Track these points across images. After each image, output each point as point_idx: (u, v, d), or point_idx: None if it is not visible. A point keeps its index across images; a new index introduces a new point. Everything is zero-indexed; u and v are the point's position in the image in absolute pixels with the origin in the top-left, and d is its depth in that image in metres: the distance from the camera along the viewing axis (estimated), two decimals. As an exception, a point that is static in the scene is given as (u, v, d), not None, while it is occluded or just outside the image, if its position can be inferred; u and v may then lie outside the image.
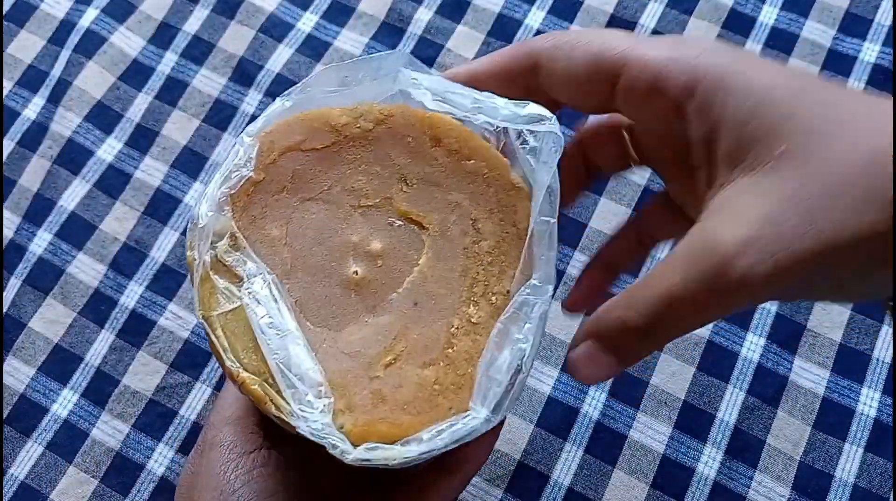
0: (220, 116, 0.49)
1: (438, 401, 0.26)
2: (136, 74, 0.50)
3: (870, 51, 0.48)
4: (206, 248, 0.26)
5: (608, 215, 0.46)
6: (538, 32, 0.50)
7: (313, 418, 0.24)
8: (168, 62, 0.50)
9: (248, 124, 0.48)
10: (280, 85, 0.49)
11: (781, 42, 0.49)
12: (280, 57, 0.50)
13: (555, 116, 0.26)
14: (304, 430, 0.24)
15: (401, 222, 0.28)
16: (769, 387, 0.42)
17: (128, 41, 0.51)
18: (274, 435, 0.30)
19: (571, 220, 0.46)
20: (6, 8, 0.52)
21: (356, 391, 0.25)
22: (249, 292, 0.25)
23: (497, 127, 0.28)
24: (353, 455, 0.24)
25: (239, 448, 0.29)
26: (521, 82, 0.27)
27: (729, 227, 0.21)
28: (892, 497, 0.40)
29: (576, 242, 0.45)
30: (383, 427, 0.25)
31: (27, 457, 0.43)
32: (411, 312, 0.27)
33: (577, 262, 0.45)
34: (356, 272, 0.27)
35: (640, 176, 0.46)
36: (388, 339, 0.26)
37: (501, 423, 0.33)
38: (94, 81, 0.50)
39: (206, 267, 0.26)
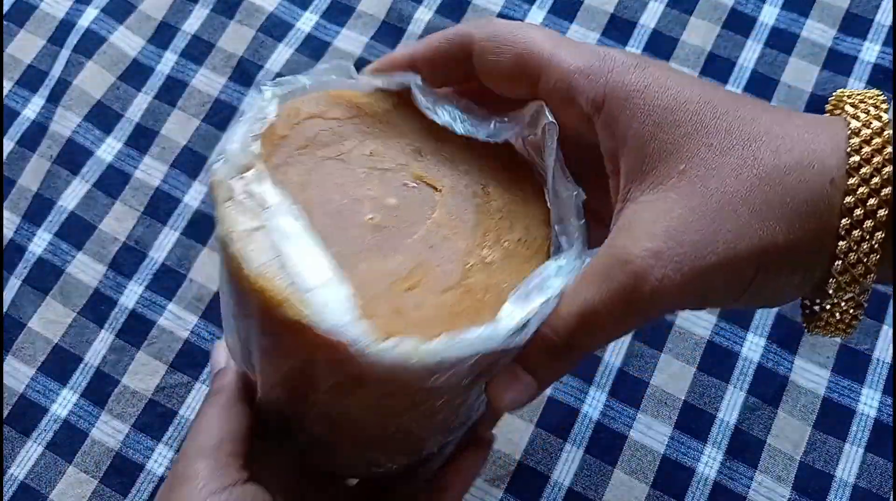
0: (220, 115, 0.49)
1: (457, 321, 0.25)
2: (135, 73, 0.50)
3: (870, 51, 0.48)
4: (232, 174, 0.26)
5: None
6: (538, 32, 0.50)
7: (335, 311, 0.23)
8: (168, 62, 0.50)
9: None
10: (280, 85, 0.49)
11: (781, 42, 0.49)
12: (280, 57, 0.50)
13: (544, 104, 0.27)
14: (324, 326, 0.23)
15: (415, 184, 0.29)
16: (769, 387, 0.42)
17: (127, 41, 0.51)
18: (258, 459, 0.29)
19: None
20: (6, 8, 0.52)
21: (378, 305, 0.25)
22: (273, 217, 0.25)
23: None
24: (376, 347, 0.23)
25: (213, 483, 0.27)
26: (455, 68, 0.28)
27: (638, 242, 0.22)
28: (892, 497, 0.40)
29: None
30: (405, 334, 0.24)
31: (27, 457, 0.42)
32: (427, 252, 0.27)
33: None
34: (372, 218, 0.28)
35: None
36: (407, 267, 0.27)
37: (490, 444, 0.33)
38: (94, 80, 0.50)
39: (231, 191, 0.26)
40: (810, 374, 0.42)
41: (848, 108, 0.23)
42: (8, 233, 0.47)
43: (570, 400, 0.42)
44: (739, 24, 0.49)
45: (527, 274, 0.27)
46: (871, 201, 0.21)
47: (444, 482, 0.31)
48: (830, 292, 0.23)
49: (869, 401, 0.42)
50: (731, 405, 0.42)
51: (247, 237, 0.25)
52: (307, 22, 0.51)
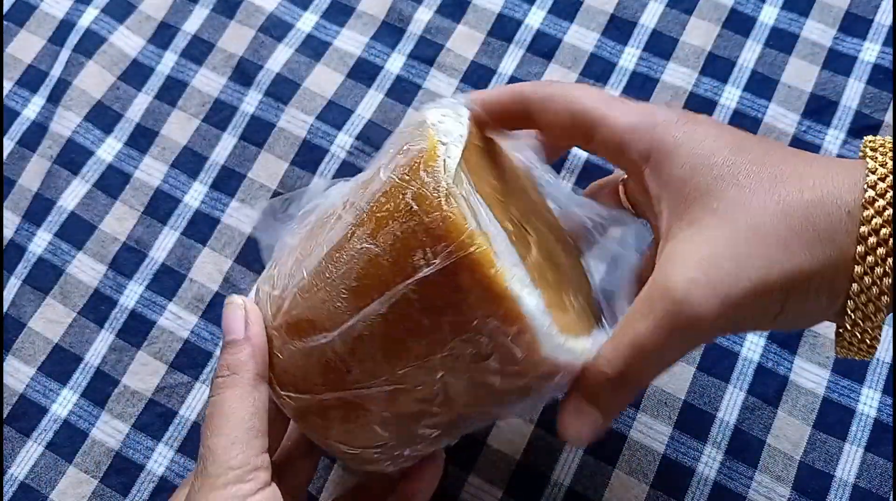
0: (220, 115, 0.49)
1: (584, 327, 0.29)
2: (135, 73, 0.50)
3: (870, 51, 0.48)
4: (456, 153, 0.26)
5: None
6: (538, 32, 0.50)
7: (531, 296, 0.25)
8: (168, 62, 0.50)
9: (247, 124, 0.48)
10: (280, 85, 0.49)
11: (781, 42, 0.49)
12: (280, 57, 0.50)
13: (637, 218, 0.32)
14: (528, 305, 0.25)
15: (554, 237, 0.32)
16: (769, 387, 0.42)
17: (127, 41, 0.51)
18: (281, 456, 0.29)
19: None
20: (6, 8, 0.52)
21: (549, 298, 0.27)
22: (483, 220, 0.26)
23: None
24: (558, 341, 0.26)
25: (249, 484, 0.27)
26: (517, 123, 0.31)
27: (679, 272, 0.25)
28: (892, 497, 0.40)
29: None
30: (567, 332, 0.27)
31: (27, 457, 0.43)
32: (568, 268, 0.31)
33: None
34: (531, 235, 0.30)
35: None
36: (563, 279, 0.30)
37: (443, 459, 0.34)
38: (94, 80, 0.50)
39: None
40: (810, 374, 0.42)
41: (868, 151, 0.26)
42: (8, 233, 0.47)
43: (570, 400, 0.42)
44: (739, 24, 0.49)
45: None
46: (885, 231, 0.24)
47: (408, 494, 0.34)
48: (849, 311, 0.25)
49: (869, 401, 0.42)
50: (730, 405, 0.42)
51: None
52: (307, 22, 0.51)
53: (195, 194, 0.47)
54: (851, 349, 0.27)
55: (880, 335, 0.26)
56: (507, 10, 0.51)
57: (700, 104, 0.48)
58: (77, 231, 0.47)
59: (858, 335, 0.26)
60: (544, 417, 0.42)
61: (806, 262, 0.24)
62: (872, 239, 0.24)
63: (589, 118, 0.29)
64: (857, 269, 0.24)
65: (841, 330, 0.26)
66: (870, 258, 0.24)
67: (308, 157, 0.48)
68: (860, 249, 0.24)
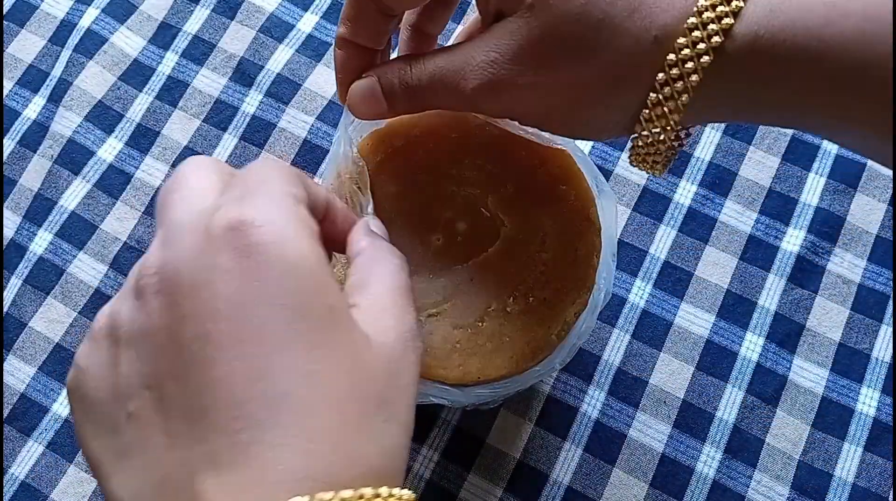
0: (221, 116, 0.49)
1: (453, 357, 0.31)
2: (136, 74, 0.50)
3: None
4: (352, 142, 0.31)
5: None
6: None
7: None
8: (168, 62, 0.50)
9: (248, 125, 0.48)
10: (280, 85, 0.49)
11: None
12: (280, 57, 0.50)
13: None
14: None
15: (489, 214, 0.33)
16: (768, 386, 0.42)
17: (128, 41, 0.51)
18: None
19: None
20: (6, 8, 0.52)
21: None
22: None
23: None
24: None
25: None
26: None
27: (478, 52, 0.26)
28: (891, 496, 0.40)
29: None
30: None
31: (27, 457, 0.43)
32: (465, 284, 0.32)
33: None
34: (439, 239, 0.33)
35: (640, 176, 0.47)
36: (440, 297, 0.32)
37: None
38: (95, 80, 0.50)
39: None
40: (809, 373, 0.42)
41: None
42: (9, 233, 0.47)
43: (570, 399, 0.43)
44: None
45: (535, 334, 0.31)
46: (701, 46, 0.23)
47: None
48: (642, 120, 0.25)
49: (868, 400, 0.42)
50: (729, 405, 0.42)
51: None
52: (307, 22, 0.51)
53: (196, 194, 0.47)
54: (636, 159, 0.27)
55: (674, 157, 0.27)
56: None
57: None
58: (78, 231, 0.47)
59: (651, 148, 0.26)
60: (544, 416, 0.42)
61: (595, 70, 0.24)
62: (687, 51, 0.23)
63: None
64: (660, 76, 0.24)
65: (635, 139, 0.27)
66: (674, 70, 0.24)
67: (309, 157, 0.48)
68: (671, 57, 0.24)
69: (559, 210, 0.33)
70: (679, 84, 0.24)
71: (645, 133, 0.26)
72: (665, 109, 0.25)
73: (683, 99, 0.24)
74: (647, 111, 0.25)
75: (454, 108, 0.28)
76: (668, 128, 0.25)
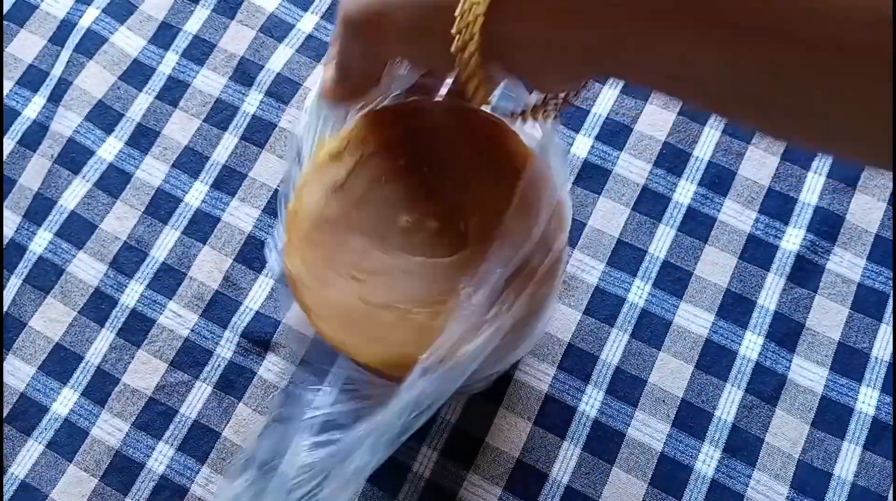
0: (221, 115, 0.49)
1: (377, 333, 0.31)
2: (136, 73, 0.50)
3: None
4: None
5: (608, 214, 0.46)
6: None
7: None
8: (169, 62, 0.51)
9: (248, 124, 0.49)
10: (280, 85, 0.49)
11: None
12: (280, 57, 0.50)
13: None
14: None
15: (463, 228, 0.32)
16: (767, 386, 0.42)
17: (128, 41, 0.51)
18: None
19: (574, 220, 0.46)
20: (6, 7, 0.52)
21: (335, 281, 0.31)
22: None
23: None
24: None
25: None
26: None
27: None
28: (891, 495, 0.40)
29: (575, 241, 0.45)
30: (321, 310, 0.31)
31: (27, 456, 0.43)
32: (419, 270, 0.32)
33: (577, 261, 0.45)
34: (407, 221, 0.32)
35: (639, 176, 0.47)
36: (394, 279, 0.31)
37: None
38: (95, 80, 0.50)
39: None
40: (808, 372, 0.42)
41: None
42: (9, 232, 0.47)
43: (568, 399, 0.43)
44: None
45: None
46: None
47: None
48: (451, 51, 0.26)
49: (867, 399, 0.42)
50: (729, 404, 0.42)
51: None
52: (307, 22, 0.51)
53: (196, 194, 0.47)
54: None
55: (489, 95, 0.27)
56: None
57: None
58: (78, 230, 0.47)
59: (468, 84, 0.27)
60: (543, 415, 0.42)
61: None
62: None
63: None
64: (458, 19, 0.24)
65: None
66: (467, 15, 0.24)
67: (308, 156, 0.48)
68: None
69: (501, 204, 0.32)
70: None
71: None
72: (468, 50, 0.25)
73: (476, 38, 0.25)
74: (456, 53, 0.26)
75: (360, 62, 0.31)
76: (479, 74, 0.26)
